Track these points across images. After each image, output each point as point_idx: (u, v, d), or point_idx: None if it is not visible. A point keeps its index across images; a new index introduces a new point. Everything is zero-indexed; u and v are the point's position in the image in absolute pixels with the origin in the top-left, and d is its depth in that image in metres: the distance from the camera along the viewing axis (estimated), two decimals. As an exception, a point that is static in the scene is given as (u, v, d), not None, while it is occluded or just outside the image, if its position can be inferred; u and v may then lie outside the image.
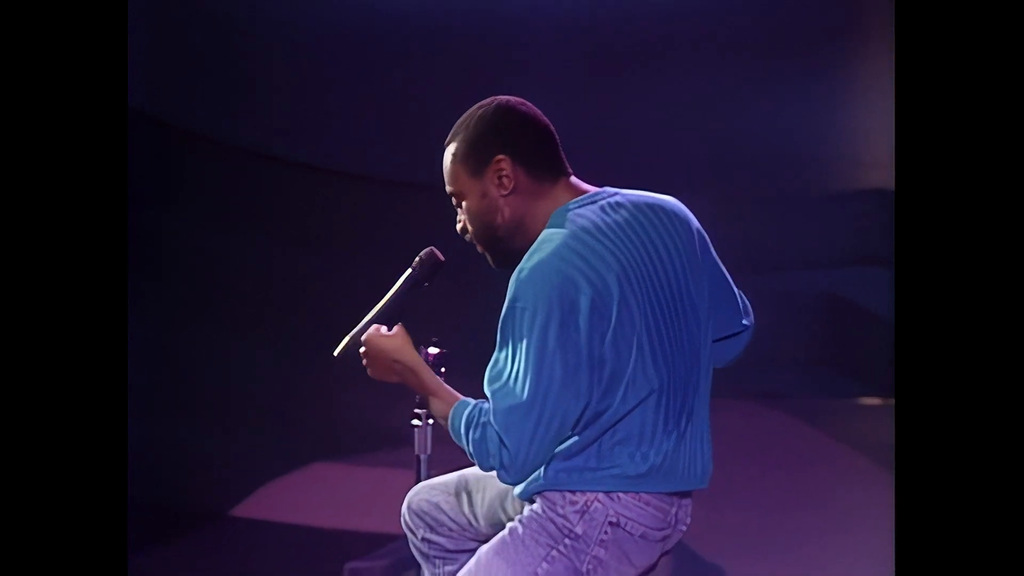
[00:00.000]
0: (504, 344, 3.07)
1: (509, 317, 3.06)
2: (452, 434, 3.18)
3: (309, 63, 7.71)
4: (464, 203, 3.26)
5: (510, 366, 3.06)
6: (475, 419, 3.12)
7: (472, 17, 7.78)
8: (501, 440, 3.07)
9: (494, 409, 3.07)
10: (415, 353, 3.34)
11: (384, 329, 3.34)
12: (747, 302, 3.43)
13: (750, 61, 8.28)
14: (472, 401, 3.17)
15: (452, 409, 3.18)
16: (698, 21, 8.03)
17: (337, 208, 7.49)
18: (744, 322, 3.40)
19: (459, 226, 3.30)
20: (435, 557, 3.52)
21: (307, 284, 7.28)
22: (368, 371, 3.38)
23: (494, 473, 3.41)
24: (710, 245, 3.30)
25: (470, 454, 3.13)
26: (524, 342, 3.03)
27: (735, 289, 3.38)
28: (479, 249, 3.30)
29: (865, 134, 8.35)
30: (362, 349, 3.36)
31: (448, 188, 3.27)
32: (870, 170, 7.77)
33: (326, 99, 7.88)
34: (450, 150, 3.25)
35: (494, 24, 7.73)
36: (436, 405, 3.26)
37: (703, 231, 3.29)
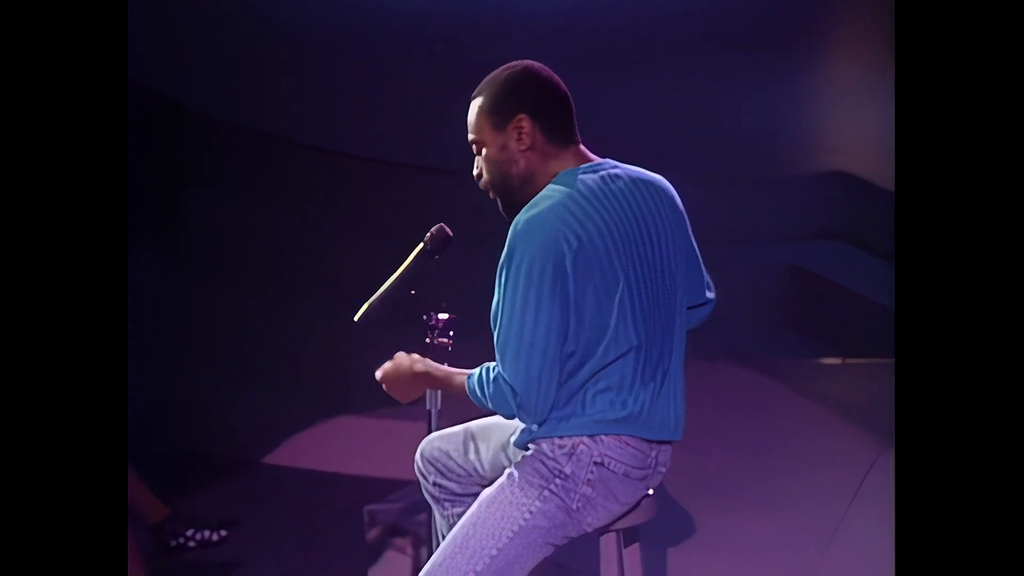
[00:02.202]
0: (502, 289, 3.11)
1: (505, 265, 3.09)
2: (475, 401, 3.22)
3: (315, 50, 7.67)
4: (484, 151, 3.28)
5: (508, 313, 3.09)
6: (485, 378, 3.17)
7: (468, 10, 7.77)
8: (511, 386, 3.10)
9: (500, 356, 3.11)
10: (420, 359, 3.40)
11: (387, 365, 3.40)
12: (710, 280, 3.48)
13: (727, 57, 8.29)
14: (477, 369, 3.21)
15: (466, 381, 3.23)
16: (679, 18, 8.03)
17: (361, 191, 7.48)
18: (708, 295, 3.44)
19: (476, 171, 3.33)
20: (445, 500, 3.56)
21: (327, 258, 7.27)
22: (400, 399, 3.44)
23: (496, 425, 3.44)
24: (688, 225, 3.34)
25: (493, 408, 3.18)
26: (520, 290, 3.06)
27: (703, 267, 3.43)
28: (491, 195, 3.32)
29: (826, 123, 8.35)
30: (383, 386, 3.42)
31: (471, 136, 3.29)
32: (830, 155, 7.77)
33: (334, 84, 7.84)
34: (477, 103, 3.27)
35: (492, 17, 7.73)
36: (455, 387, 3.30)
37: (684, 212, 3.33)
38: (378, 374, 3.44)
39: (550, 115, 3.24)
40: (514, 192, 3.25)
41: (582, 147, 3.28)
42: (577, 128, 3.28)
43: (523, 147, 3.22)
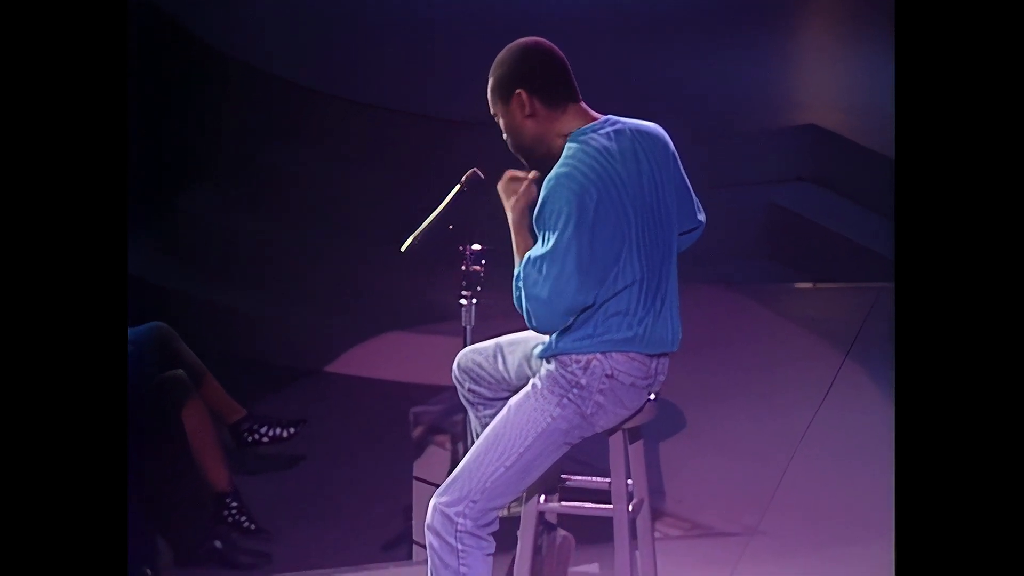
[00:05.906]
0: (539, 234, 3.12)
1: (540, 216, 3.11)
2: (517, 274, 3.17)
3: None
4: (501, 121, 3.29)
5: (541, 252, 3.09)
6: (524, 275, 3.12)
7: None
8: (528, 305, 3.11)
9: (524, 281, 3.10)
10: (523, 207, 3.28)
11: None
12: (699, 203, 3.42)
13: (718, 27, 8.31)
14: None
15: (521, 261, 3.17)
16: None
17: (407, 142, 7.43)
18: (700, 217, 3.41)
19: (504, 136, 3.32)
20: (478, 404, 3.54)
21: (375, 196, 7.22)
22: (513, 198, 3.29)
23: (522, 340, 3.42)
24: (679, 161, 3.32)
25: (516, 295, 3.15)
26: (553, 235, 3.07)
27: (693, 195, 3.39)
28: (517, 155, 3.33)
29: (801, 84, 8.37)
30: (521, 185, 3.29)
31: (491, 110, 3.30)
32: (804, 111, 7.78)
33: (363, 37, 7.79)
34: (490, 84, 3.28)
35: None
36: (519, 247, 3.23)
37: (675, 150, 3.30)
38: (520, 174, 3.31)
39: (545, 84, 3.23)
40: (531, 151, 3.28)
41: (583, 105, 3.26)
42: (577, 89, 3.26)
43: (525, 116, 3.23)
